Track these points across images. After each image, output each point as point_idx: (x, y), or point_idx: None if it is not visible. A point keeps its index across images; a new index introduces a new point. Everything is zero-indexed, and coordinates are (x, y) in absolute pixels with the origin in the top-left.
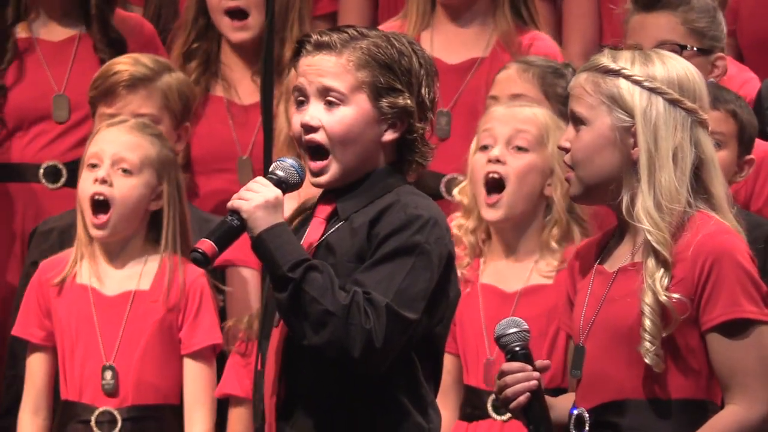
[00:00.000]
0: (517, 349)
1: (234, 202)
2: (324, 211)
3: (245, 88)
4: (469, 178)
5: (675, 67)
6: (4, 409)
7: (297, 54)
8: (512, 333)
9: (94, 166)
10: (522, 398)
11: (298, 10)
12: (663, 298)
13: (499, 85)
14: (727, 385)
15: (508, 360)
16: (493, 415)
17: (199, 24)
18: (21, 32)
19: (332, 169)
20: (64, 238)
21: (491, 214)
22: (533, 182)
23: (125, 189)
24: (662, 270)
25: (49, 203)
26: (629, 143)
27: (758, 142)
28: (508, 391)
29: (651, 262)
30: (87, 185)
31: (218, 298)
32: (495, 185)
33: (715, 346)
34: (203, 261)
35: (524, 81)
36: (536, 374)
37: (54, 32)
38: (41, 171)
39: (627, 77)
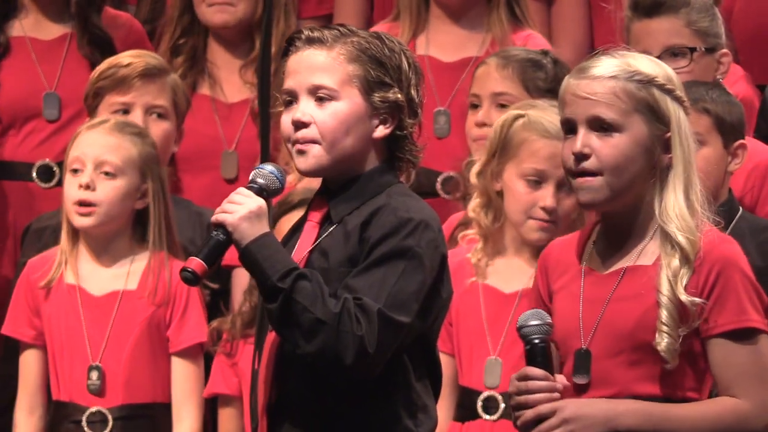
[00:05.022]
0: (537, 341)
1: (218, 216)
2: (316, 214)
3: (231, 86)
4: (509, 204)
5: (671, 70)
6: (1, 408)
7: (285, 53)
8: (534, 325)
9: (76, 170)
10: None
11: (284, 5)
12: (684, 297)
13: (479, 82)
14: (728, 391)
15: (527, 350)
16: (484, 415)
17: (184, 20)
18: (11, 31)
19: (317, 154)
20: (58, 235)
21: (539, 240)
22: (572, 215)
23: (109, 191)
24: (686, 269)
25: (42, 202)
26: (659, 150)
27: (761, 148)
28: (529, 399)
29: (676, 262)
30: (72, 190)
31: (204, 292)
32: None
33: (719, 353)
34: (193, 279)
35: (504, 78)
36: (559, 386)
37: (45, 31)
38: (34, 170)
39: (659, 86)
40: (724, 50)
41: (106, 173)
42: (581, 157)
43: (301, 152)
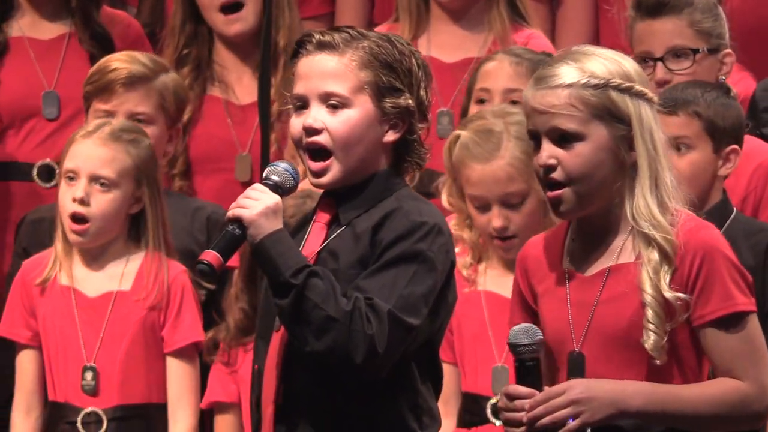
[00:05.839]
0: (527, 360)
1: (234, 211)
2: (324, 216)
3: (243, 88)
4: (474, 227)
5: (629, 62)
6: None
7: (295, 55)
8: (524, 344)
9: (71, 179)
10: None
11: (286, 2)
12: (668, 294)
13: (491, 77)
14: (727, 375)
15: (516, 368)
16: (493, 420)
17: (187, 30)
18: (10, 31)
19: (334, 169)
20: (54, 227)
21: (508, 256)
22: (539, 219)
23: (103, 205)
24: (666, 266)
25: (44, 202)
26: (624, 149)
27: (763, 147)
28: (516, 416)
29: (655, 258)
30: (66, 201)
31: (200, 292)
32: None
33: (712, 340)
34: (210, 272)
35: (519, 75)
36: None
37: (43, 30)
38: (35, 170)
39: (615, 87)
40: (728, 50)
41: (101, 184)
42: (548, 168)
43: (318, 173)
